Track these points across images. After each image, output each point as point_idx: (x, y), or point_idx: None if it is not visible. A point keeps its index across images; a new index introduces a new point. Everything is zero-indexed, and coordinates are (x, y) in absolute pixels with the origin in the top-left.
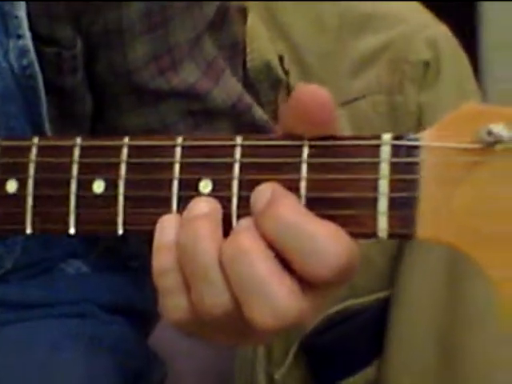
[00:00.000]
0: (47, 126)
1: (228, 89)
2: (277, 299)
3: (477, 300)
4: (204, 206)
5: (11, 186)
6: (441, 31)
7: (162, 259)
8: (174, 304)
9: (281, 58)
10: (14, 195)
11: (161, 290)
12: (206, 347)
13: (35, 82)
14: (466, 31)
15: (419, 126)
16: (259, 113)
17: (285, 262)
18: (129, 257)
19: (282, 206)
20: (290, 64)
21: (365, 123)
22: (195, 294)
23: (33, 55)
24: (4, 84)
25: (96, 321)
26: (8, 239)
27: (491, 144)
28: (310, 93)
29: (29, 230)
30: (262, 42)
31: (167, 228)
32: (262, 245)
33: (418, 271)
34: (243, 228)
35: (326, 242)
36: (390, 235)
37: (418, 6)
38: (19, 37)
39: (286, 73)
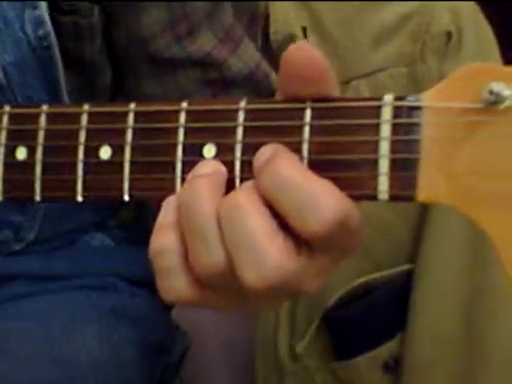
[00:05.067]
0: (66, 96)
1: (246, 57)
2: (265, 256)
3: (501, 268)
4: (207, 167)
5: (20, 153)
6: (464, 1)
7: (161, 238)
8: (170, 284)
9: (304, 30)
10: (23, 162)
11: (157, 269)
12: (229, 319)
13: (52, 52)
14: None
15: None
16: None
17: (282, 222)
18: (151, 230)
19: (279, 163)
20: (311, 33)
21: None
22: (192, 253)
23: (49, 26)
24: (21, 54)
25: (118, 293)
26: (28, 208)
27: (493, 103)
28: (297, 49)
29: (38, 198)
30: (285, 14)
31: (168, 208)
32: (257, 201)
33: (440, 242)
34: (242, 187)
35: (319, 196)
36: (391, 197)
37: None
38: (35, 7)
39: None
